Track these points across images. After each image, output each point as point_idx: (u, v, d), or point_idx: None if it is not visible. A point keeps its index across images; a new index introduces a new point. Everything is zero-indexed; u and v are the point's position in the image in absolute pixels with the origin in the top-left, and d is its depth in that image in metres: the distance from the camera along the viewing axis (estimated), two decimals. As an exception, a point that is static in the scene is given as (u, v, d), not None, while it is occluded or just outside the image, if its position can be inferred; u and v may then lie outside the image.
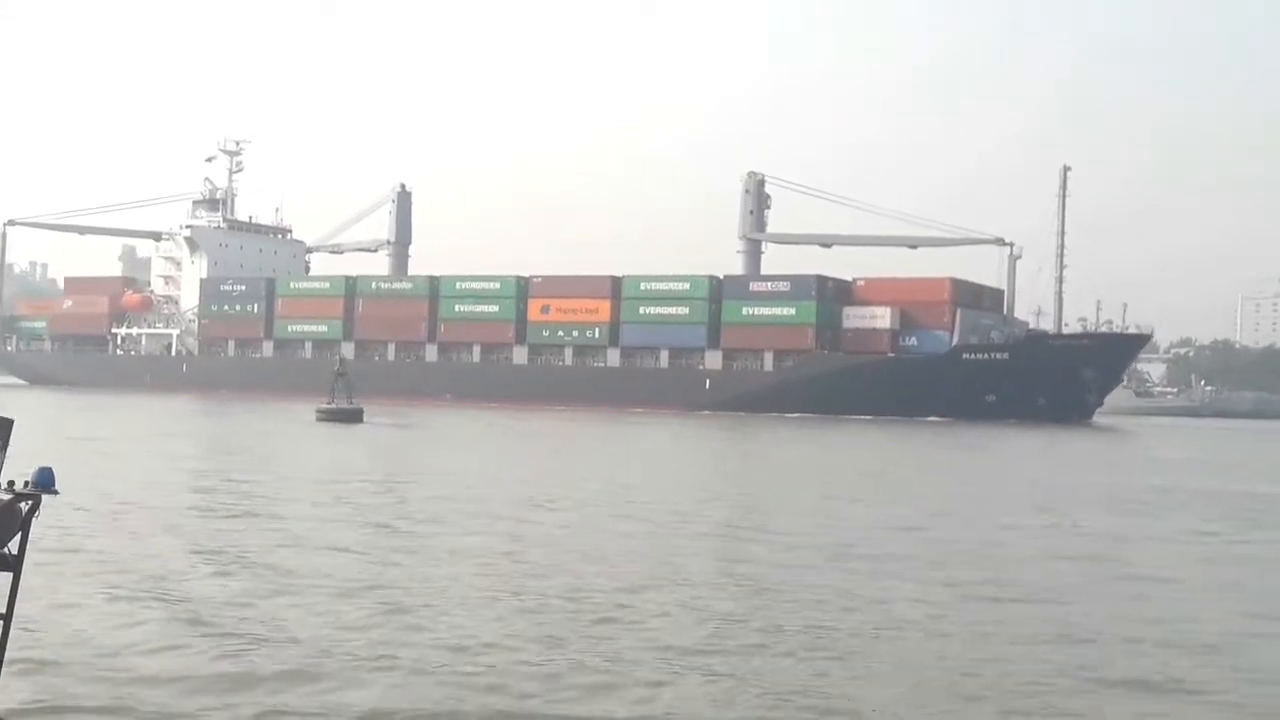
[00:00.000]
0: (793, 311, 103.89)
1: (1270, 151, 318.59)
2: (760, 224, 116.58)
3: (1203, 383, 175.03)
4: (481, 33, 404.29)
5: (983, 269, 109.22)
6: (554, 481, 36.76)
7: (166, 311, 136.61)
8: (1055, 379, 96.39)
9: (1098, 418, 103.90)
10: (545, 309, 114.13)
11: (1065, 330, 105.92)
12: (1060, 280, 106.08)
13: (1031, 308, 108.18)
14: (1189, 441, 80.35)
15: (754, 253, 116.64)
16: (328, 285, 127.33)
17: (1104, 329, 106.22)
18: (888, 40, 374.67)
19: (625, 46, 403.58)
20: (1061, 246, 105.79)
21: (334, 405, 72.27)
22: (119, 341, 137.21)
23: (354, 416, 70.21)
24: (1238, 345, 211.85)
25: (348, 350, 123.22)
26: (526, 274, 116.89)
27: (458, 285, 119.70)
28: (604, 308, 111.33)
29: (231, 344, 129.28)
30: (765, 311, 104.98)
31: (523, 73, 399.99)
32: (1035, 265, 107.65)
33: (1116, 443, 78.53)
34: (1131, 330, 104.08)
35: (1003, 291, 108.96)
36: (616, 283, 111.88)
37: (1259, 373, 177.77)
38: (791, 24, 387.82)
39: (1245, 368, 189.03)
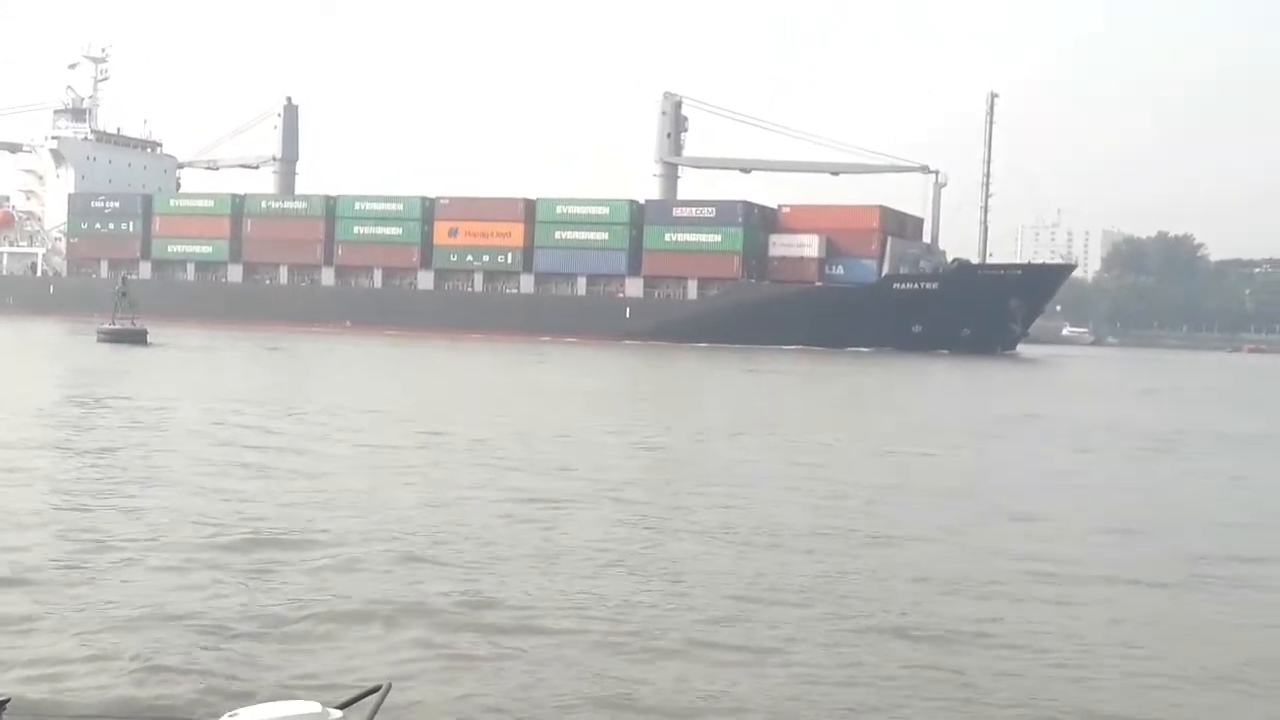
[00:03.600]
0: (718, 238, 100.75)
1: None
2: (677, 148, 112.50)
3: None
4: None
5: (905, 198, 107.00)
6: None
7: (29, 229, 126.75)
8: (980, 309, 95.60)
9: (1022, 347, 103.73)
10: (453, 232, 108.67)
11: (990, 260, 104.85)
12: (985, 209, 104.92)
13: (953, 238, 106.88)
14: (1108, 371, 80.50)
15: (671, 177, 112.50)
16: (212, 203, 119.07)
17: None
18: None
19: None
20: (987, 175, 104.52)
21: (116, 326, 69.23)
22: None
23: (137, 338, 67.47)
24: None
25: (235, 273, 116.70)
26: (432, 195, 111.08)
27: (356, 205, 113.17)
28: (517, 231, 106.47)
29: (105, 264, 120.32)
30: (689, 238, 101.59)
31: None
32: (959, 194, 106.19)
33: (1034, 373, 78.38)
34: (1057, 260, 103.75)
35: (923, 220, 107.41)
36: (530, 205, 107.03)
37: None
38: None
39: None
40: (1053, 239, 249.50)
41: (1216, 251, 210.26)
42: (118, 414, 29.68)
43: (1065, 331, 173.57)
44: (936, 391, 57.65)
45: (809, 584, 13.56)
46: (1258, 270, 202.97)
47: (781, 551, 15.38)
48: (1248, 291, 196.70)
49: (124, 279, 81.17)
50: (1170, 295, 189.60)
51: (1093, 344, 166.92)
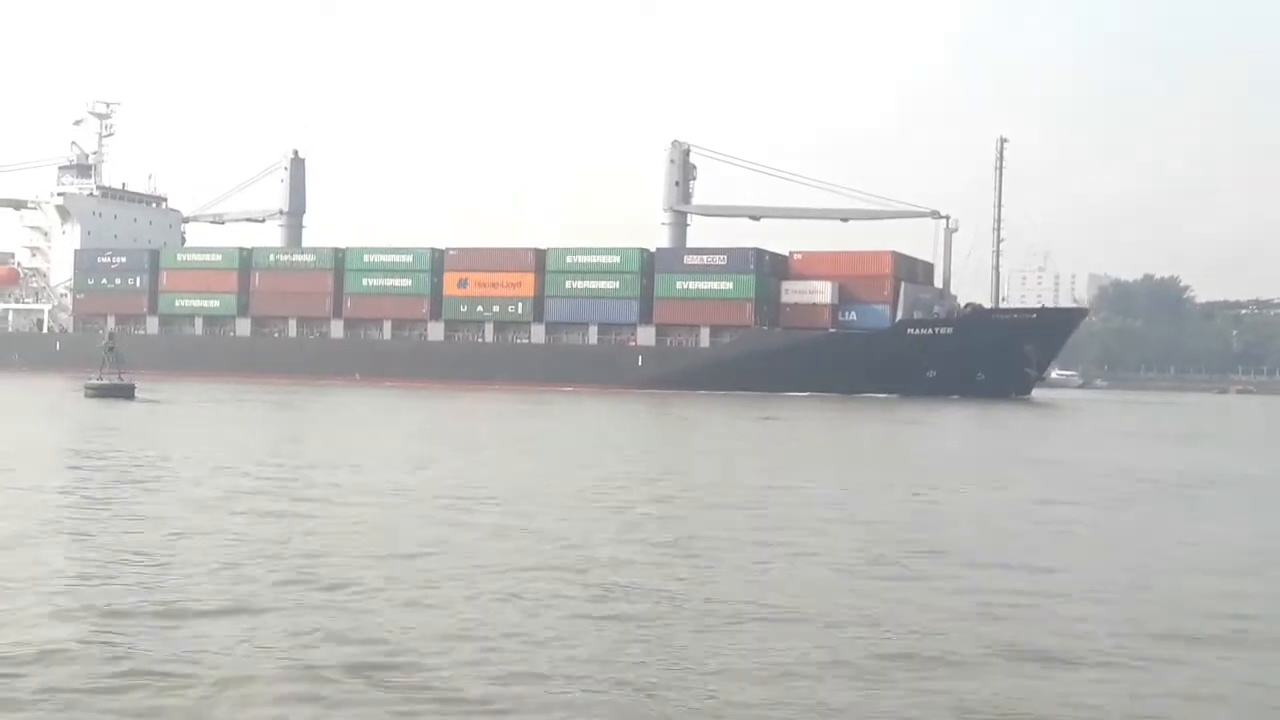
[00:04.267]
0: (730, 286, 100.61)
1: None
2: (686, 195, 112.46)
3: None
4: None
5: (914, 243, 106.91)
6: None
7: (35, 285, 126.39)
8: (994, 353, 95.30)
9: (1037, 392, 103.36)
10: (463, 283, 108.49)
11: (1004, 304, 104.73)
12: (997, 254, 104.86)
13: (964, 281, 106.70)
14: (1123, 415, 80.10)
15: (680, 225, 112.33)
16: (219, 257, 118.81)
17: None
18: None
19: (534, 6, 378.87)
20: (998, 219, 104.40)
21: (103, 381, 68.30)
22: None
23: (124, 392, 66.52)
24: None
25: (243, 326, 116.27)
26: (441, 246, 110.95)
27: (365, 258, 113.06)
28: (527, 281, 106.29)
29: (111, 320, 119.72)
30: (701, 285, 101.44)
31: (430, 26, 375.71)
32: (969, 237, 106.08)
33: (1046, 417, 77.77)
34: (1070, 304, 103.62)
35: (933, 265, 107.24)
36: (540, 255, 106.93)
37: None
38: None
39: None
40: (1039, 282, 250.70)
41: (1202, 292, 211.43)
42: (79, 470, 29.15)
43: (1054, 375, 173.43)
44: (964, 440, 56.92)
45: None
46: (1244, 311, 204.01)
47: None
48: (1235, 333, 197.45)
49: (111, 334, 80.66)
50: (1158, 337, 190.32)
51: (1081, 387, 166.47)
